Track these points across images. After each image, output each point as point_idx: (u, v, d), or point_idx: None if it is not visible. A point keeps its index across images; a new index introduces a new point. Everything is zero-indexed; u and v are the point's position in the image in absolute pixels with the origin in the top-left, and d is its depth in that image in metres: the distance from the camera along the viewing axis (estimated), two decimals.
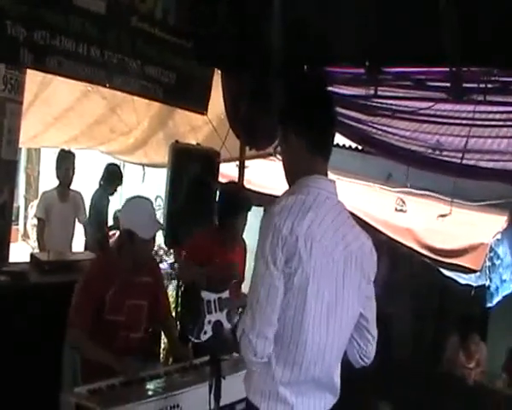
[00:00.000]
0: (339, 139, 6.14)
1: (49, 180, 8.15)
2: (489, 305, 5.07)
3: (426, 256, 5.23)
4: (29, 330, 3.29)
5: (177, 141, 4.74)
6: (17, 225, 11.90)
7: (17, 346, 3.21)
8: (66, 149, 5.94)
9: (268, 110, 4.00)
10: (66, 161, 5.58)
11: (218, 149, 4.78)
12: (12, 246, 4.25)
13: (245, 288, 3.37)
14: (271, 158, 5.63)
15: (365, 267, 1.95)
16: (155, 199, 7.82)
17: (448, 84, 3.65)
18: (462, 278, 5.06)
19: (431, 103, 3.79)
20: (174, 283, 6.60)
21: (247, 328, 1.80)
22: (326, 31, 3.69)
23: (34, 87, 4.95)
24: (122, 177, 6.41)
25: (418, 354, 6.27)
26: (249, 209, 3.77)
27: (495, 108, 3.67)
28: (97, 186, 6.24)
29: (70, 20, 3.30)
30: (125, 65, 3.68)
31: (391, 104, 4.05)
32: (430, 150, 4.16)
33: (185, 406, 2.66)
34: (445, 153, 4.08)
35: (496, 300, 5.01)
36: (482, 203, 5.18)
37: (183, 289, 4.68)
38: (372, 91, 4.02)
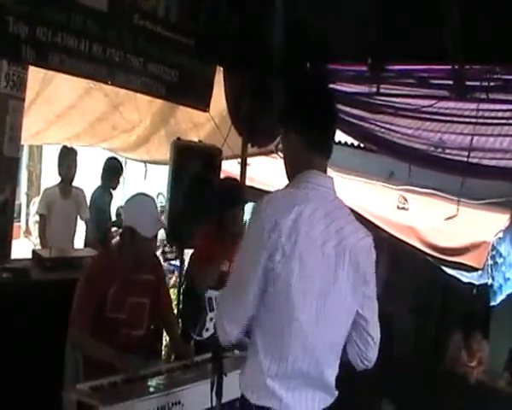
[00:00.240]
0: (341, 137, 6.14)
1: (51, 177, 8.16)
2: (493, 303, 5.06)
3: (428, 254, 5.22)
4: (31, 327, 3.29)
5: (178, 138, 4.73)
6: (19, 221, 11.93)
7: (19, 343, 3.21)
8: (69, 146, 5.94)
9: (269, 108, 4.00)
10: (68, 158, 5.58)
11: (220, 146, 4.78)
12: (14, 243, 4.25)
13: None
14: (273, 155, 5.63)
15: (361, 264, 1.93)
16: (157, 196, 7.83)
17: (451, 82, 3.65)
18: (465, 277, 5.05)
19: (433, 101, 3.78)
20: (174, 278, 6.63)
21: (220, 311, 1.97)
22: (328, 28, 3.68)
23: (36, 84, 4.95)
24: (122, 170, 6.38)
25: (420, 352, 6.27)
26: (245, 202, 3.80)
27: (498, 106, 3.67)
28: (99, 183, 6.24)
29: (72, 18, 3.29)
30: (128, 62, 3.68)
31: (393, 102, 4.04)
32: (433, 148, 4.16)
33: (187, 403, 2.67)
34: (447, 151, 4.08)
35: (500, 298, 5.00)
36: (484, 202, 5.17)
37: (184, 286, 4.70)
38: (374, 89, 4.02)
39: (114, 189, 6.25)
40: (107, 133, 6.70)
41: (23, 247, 8.23)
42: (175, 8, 3.90)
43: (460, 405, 4.62)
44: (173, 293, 5.37)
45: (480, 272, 4.91)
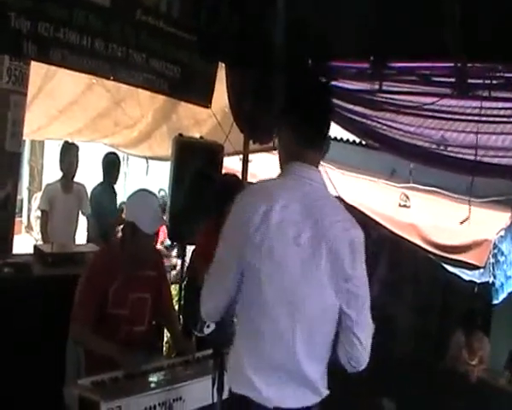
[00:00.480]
0: (343, 134, 6.14)
1: (52, 172, 8.16)
2: (494, 302, 5.06)
3: (429, 252, 5.22)
4: (32, 322, 3.30)
5: (180, 134, 4.73)
6: (21, 217, 11.94)
7: (20, 338, 3.22)
8: (70, 141, 5.94)
9: (271, 104, 3.99)
10: (69, 153, 5.58)
11: (222, 142, 4.78)
12: (15, 238, 4.26)
13: None
14: (275, 152, 5.61)
15: (342, 257, 1.86)
16: (159, 192, 7.84)
17: (453, 80, 3.64)
18: (466, 275, 5.05)
19: (436, 99, 3.78)
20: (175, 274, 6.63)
21: (202, 293, 2.08)
22: (330, 26, 3.68)
23: (38, 80, 4.95)
24: (120, 164, 6.35)
25: (421, 350, 6.27)
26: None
27: (500, 105, 3.66)
28: (101, 179, 6.23)
29: (74, 13, 3.29)
30: (130, 58, 3.67)
31: (395, 99, 4.04)
32: (435, 146, 4.16)
33: (188, 398, 2.67)
34: (449, 149, 4.07)
35: (501, 297, 5.00)
36: (486, 200, 5.16)
37: (186, 282, 4.70)
38: (377, 86, 4.02)
39: (114, 183, 6.24)
40: (109, 129, 6.70)
41: (25, 242, 8.25)
42: (177, 4, 3.90)
43: (460, 403, 4.62)
44: (174, 289, 5.37)
45: (481, 270, 4.91)
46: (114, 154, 6.43)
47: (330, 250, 1.85)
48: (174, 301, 4.01)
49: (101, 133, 7.02)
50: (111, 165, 6.16)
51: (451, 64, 3.57)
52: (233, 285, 1.94)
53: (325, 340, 1.93)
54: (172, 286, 5.14)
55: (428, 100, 3.84)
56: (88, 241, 5.77)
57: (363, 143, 5.98)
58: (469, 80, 3.54)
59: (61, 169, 5.58)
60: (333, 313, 1.90)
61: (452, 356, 5.65)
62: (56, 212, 5.48)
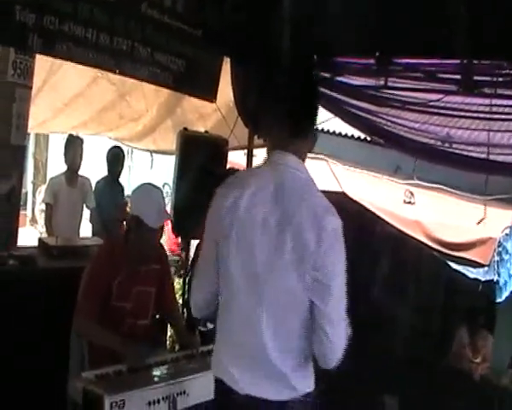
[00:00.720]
0: (347, 130, 6.12)
1: (57, 166, 8.18)
2: (498, 300, 5.05)
3: (434, 249, 5.21)
4: (36, 315, 3.31)
5: (185, 128, 4.72)
6: (25, 210, 11.97)
7: (24, 331, 3.23)
8: (75, 134, 5.95)
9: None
10: (74, 147, 5.59)
11: (227, 137, 4.77)
12: (20, 231, 4.27)
13: None
14: None
15: (309, 244, 1.80)
16: (163, 186, 7.84)
17: (459, 77, 3.62)
18: (470, 272, 5.04)
19: (441, 95, 3.76)
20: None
21: (192, 286, 2.19)
22: (336, 21, 3.66)
23: (43, 73, 4.95)
24: (124, 158, 6.37)
25: (424, 347, 6.26)
26: None
27: (505, 102, 3.64)
28: (106, 173, 6.24)
29: (79, 6, 3.27)
30: (135, 51, 3.66)
31: (401, 95, 4.02)
32: (440, 143, 4.14)
33: (192, 392, 2.68)
34: (454, 146, 4.06)
35: (505, 295, 4.99)
36: (492, 198, 5.14)
37: (190, 277, 4.70)
38: (382, 82, 4.00)
39: (118, 177, 6.25)
40: (114, 122, 6.71)
41: (29, 235, 8.27)
42: None
43: (463, 401, 4.61)
44: (178, 283, 5.38)
45: (486, 268, 4.89)
46: (119, 147, 6.44)
47: (296, 236, 1.82)
48: (178, 295, 4.02)
49: (106, 126, 7.03)
50: (115, 158, 6.17)
51: (457, 61, 3.55)
52: (216, 275, 1.99)
53: (294, 330, 1.89)
54: (176, 280, 5.16)
55: (434, 96, 3.82)
56: (93, 234, 5.78)
57: (368, 138, 5.97)
58: (475, 77, 3.53)
59: (66, 162, 5.59)
60: (302, 302, 1.86)
61: (455, 354, 5.63)
62: (61, 205, 5.49)
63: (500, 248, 4.87)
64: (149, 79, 3.96)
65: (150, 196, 3.14)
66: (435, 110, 3.95)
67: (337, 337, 1.87)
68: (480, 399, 4.73)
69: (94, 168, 6.65)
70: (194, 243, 4.69)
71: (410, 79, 3.93)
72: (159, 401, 2.56)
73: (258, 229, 1.86)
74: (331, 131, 6.71)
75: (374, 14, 3.48)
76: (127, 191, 6.35)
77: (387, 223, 5.35)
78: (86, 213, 5.91)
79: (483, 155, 3.85)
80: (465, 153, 3.93)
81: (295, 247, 1.82)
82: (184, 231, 4.69)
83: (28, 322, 3.24)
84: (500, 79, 3.42)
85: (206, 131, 5.07)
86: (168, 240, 7.99)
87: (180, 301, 4.40)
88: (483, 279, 4.97)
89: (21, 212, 6.23)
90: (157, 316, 3.42)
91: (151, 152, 8.65)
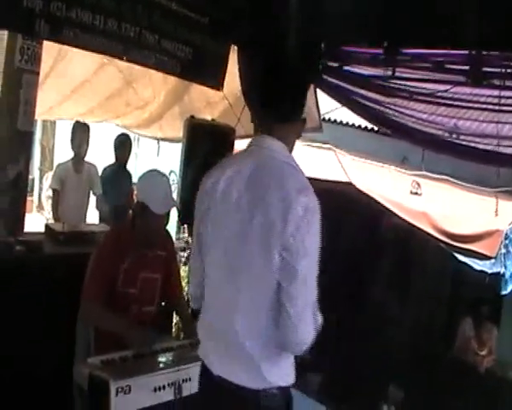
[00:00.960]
0: (355, 119, 6.10)
1: (64, 152, 8.19)
2: (504, 292, 5.03)
3: (440, 240, 5.20)
4: (43, 300, 3.33)
5: (192, 116, 4.71)
6: (32, 196, 12.01)
7: (31, 316, 3.25)
8: (81, 121, 5.95)
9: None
10: (80, 133, 5.60)
11: (234, 125, 4.76)
12: (27, 217, 4.28)
13: None
14: None
15: (278, 223, 1.78)
16: (169, 174, 7.83)
17: (467, 68, 3.59)
18: (477, 264, 5.03)
19: (449, 86, 3.73)
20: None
21: (189, 274, 2.24)
22: (344, 10, 3.63)
23: (50, 59, 4.94)
24: (131, 145, 6.39)
25: (430, 339, 6.27)
26: None
27: None
28: (113, 160, 6.25)
29: None
30: (142, 38, 3.65)
31: (408, 86, 3.99)
32: (447, 134, 4.12)
33: (197, 379, 2.69)
34: (462, 137, 4.03)
35: (510, 287, 4.97)
36: (499, 190, 5.11)
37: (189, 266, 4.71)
38: (390, 72, 3.97)
39: (125, 164, 6.26)
40: (121, 109, 6.69)
41: (36, 221, 8.30)
42: None
43: (468, 393, 4.62)
44: (184, 271, 5.40)
45: (492, 260, 4.88)
46: (126, 135, 6.46)
47: (265, 216, 1.82)
48: (184, 282, 4.02)
49: (113, 113, 7.01)
50: (122, 145, 6.18)
51: (466, 52, 3.52)
52: (203, 263, 2.05)
53: (264, 312, 1.86)
54: (182, 268, 5.16)
55: (442, 87, 3.79)
56: (100, 221, 5.80)
57: (375, 129, 5.94)
58: (484, 68, 3.50)
59: (72, 149, 5.60)
60: (271, 285, 1.83)
61: (461, 346, 5.63)
62: (67, 191, 5.51)
63: (507, 241, 4.85)
64: (156, 66, 3.94)
65: (156, 183, 3.15)
66: (443, 101, 3.93)
67: (300, 321, 1.82)
68: (485, 391, 4.75)
69: (101, 155, 6.66)
70: None
71: (418, 70, 3.90)
72: (164, 387, 2.58)
73: (232, 212, 1.90)
74: (338, 120, 6.69)
75: (382, 3, 3.46)
76: (134, 178, 6.36)
77: (394, 213, 5.35)
78: (93, 199, 5.93)
79: (490, 147, 3.83)
80: (472, 144, 3.91)
81: (264, 226, 1.82)
82: (190, 218, 4.68)
83: (35, 308, 3.26)
84: (509, 71, 3.39)
85: (213, 120, 5.06)
86: None
87: (186, 289, 4.42)
88: (490, 271, 4.95)
89: (28, 198, 6.25)
90: (163, 303, 3.43)
91: (158, 140, 8.64)
